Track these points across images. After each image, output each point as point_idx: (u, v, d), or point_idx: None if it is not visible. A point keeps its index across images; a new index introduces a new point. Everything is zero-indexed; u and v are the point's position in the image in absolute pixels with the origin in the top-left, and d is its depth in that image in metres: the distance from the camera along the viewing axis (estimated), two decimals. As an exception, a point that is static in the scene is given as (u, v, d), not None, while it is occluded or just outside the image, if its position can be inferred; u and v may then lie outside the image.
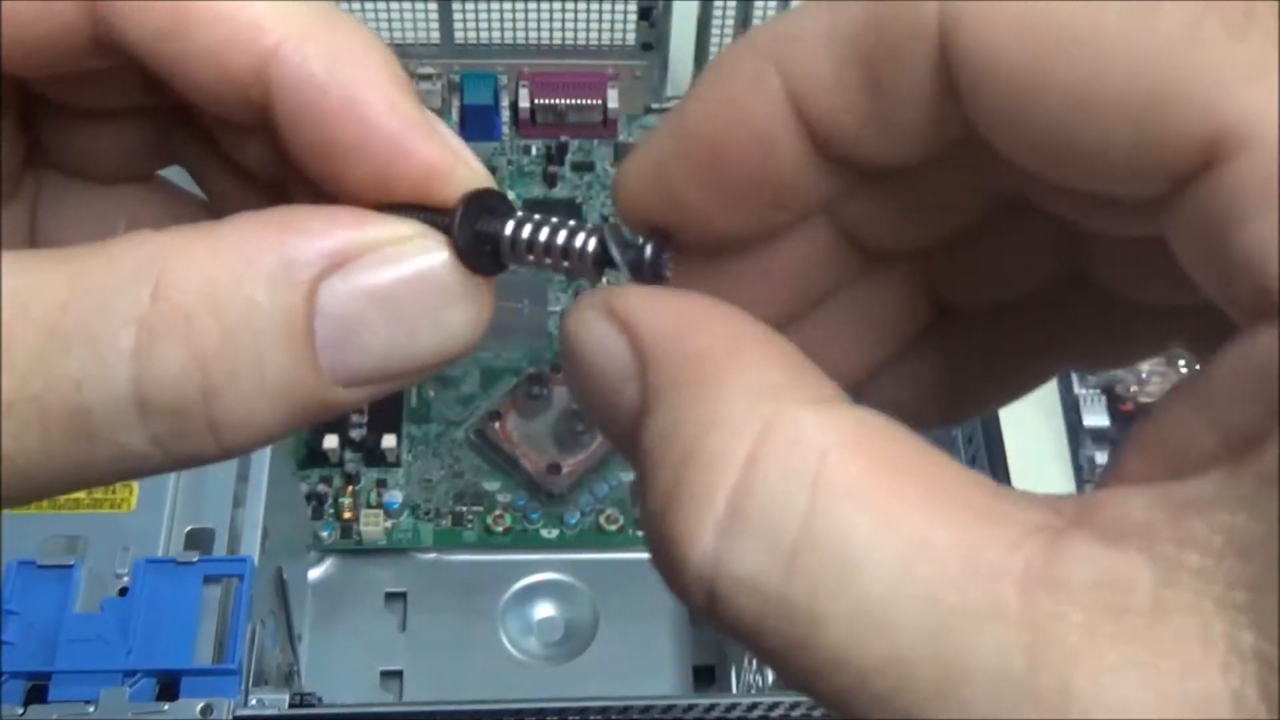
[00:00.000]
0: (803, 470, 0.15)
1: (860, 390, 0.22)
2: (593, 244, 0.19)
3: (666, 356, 0.17)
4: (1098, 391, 0.62)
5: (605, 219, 0.67)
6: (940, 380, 0.22)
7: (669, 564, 0.16)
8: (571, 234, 0.19)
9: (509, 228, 0.19)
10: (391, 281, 0.19)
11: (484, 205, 0.19)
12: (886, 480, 0.15)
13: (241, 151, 0.22)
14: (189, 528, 0.46)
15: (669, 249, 0.19)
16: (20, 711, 0.39)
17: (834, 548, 0.15)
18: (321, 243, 0.18)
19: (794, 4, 0.66)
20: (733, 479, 0.16)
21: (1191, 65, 0.14)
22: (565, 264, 0.20)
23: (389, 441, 0.59)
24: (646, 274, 0.19)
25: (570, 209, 0.67)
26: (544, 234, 0.19)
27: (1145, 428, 0.16)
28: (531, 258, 0.20)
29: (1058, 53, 0.15)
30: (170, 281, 0.18)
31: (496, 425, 0.60)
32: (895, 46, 0.16)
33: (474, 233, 0.19)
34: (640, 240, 0.19)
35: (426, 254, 0.19)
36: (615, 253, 0.19)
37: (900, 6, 0.16)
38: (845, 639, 0.15)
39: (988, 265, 0.21)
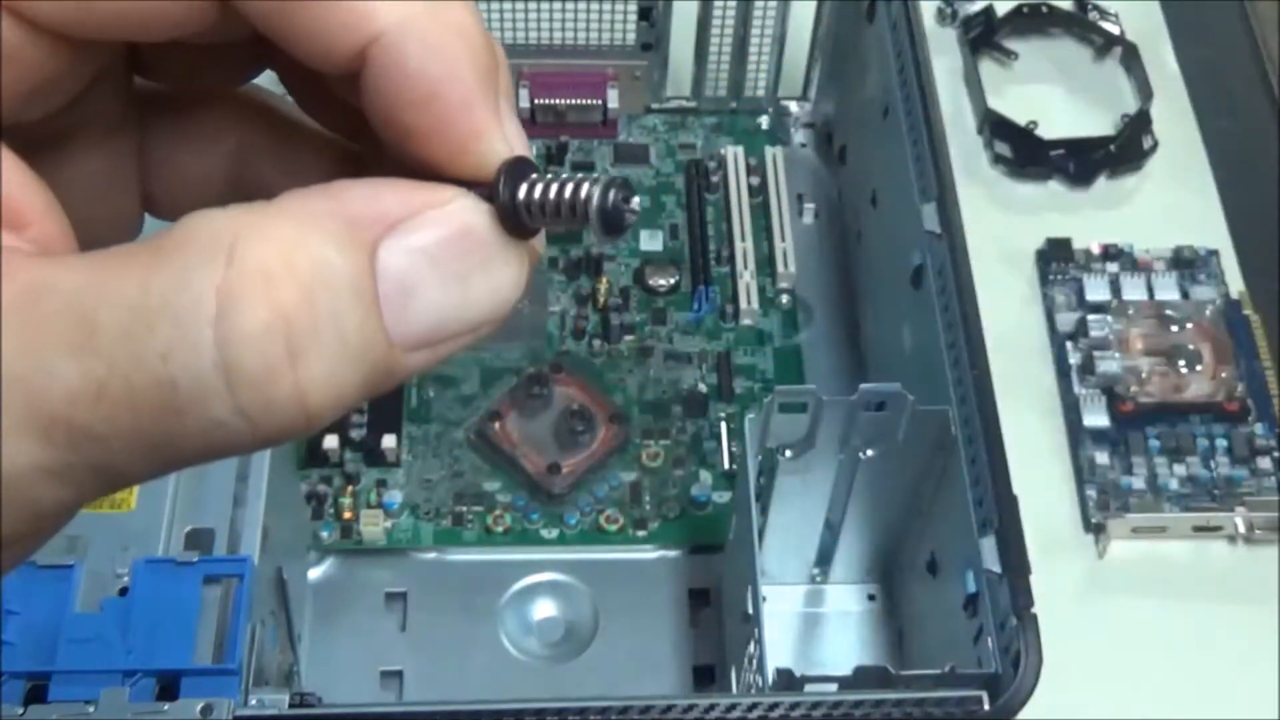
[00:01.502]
0: None
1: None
2: (592, 195, 0.21)
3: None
4: (1098, 391, 0.62)
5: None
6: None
7: None
8: (575, 189, 0.21)
9: (522, 191, 0.21)
10: (441, 239, 0.20)
11: (519, 174, 0.21)
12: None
13: (340, 88, 0.23)
14: (189, 528, 0.46)
15: (628, 194, 0.21)
16: (20, 711, 0.39)
17: None
18: (376, 206, 0.20)
19: (794, 3, 0.66)
20: None
21: None
22: (575, 219, 0.21)
23: (389, 441, 0.59)
24: (611, 219, 0.21)
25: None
26: (553, 192, 0.21)
27: None
28: (545, 217, 0.21)
29: None
30: (244, 248, 0.18)
31: (496, 425, 0.60)
32: None
33: (506, 198, 0.21)
34: (611, 189, 0.21)
35: (471, 213, 0.20)
36: (593, 202, 0.21)
37: None
38: None
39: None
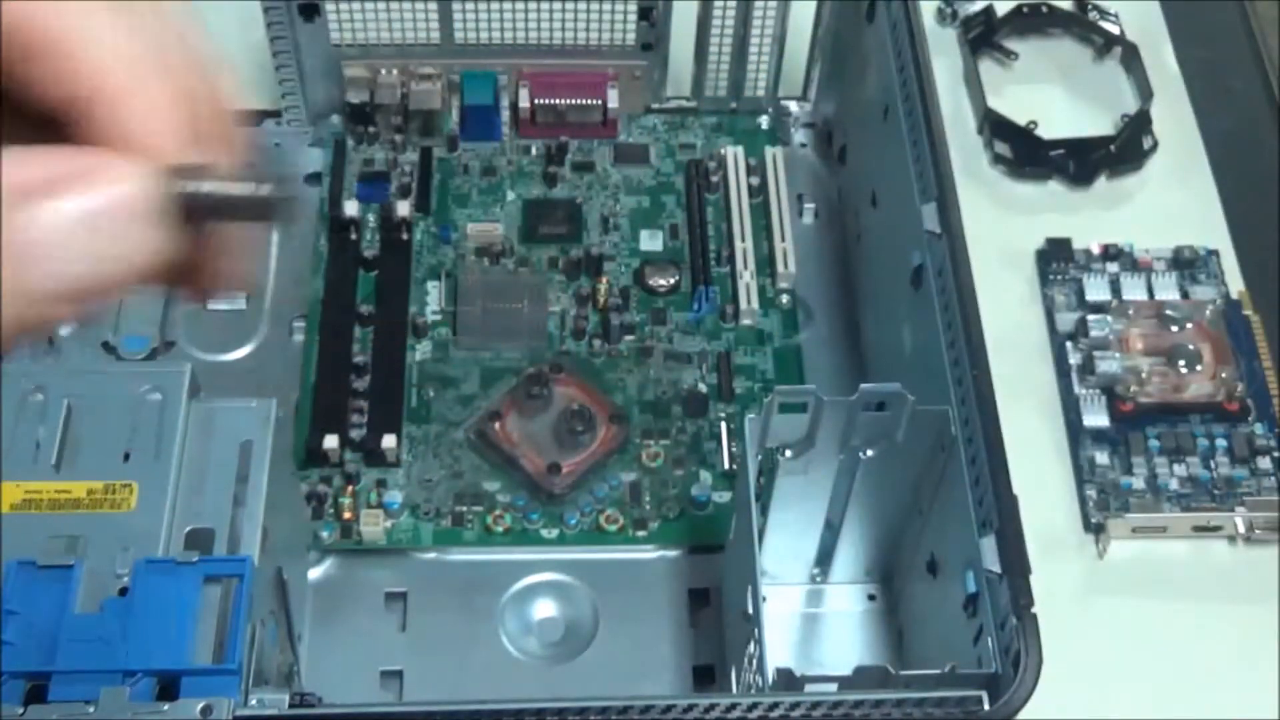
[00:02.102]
0: None
1: None
2: (247, 190, 0.23)
3: None
4: (1098, 391, 0.62)
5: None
6: None
7: None
8: (233, 186, 0.23)
9: (184, 187, 0.23)
10: (77, 201, 0.22)
11: (185, 174, 0.23)
12: None
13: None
14: (189, 528, 0.46)
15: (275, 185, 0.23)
16: (20, 711, 0.39)
17: None
18: (22, 171, 0.21)
19: (794, 3, 0.66)
20: None
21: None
22: (242, 213, 0.23)
23: (389, 441, 0.59)
24: (264, 211, 0.23)
25: (570, 209, 0.67)
26: (214, 188, 0.23)
27: None
28: (212, 214, 0.23)
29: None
30: None
31: (496, 425, 0.60)
32: None
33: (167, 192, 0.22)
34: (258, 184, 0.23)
35: (110, 180, 0.22)
36: (248, 196, 0.23)
37: None
38: None
39: None
